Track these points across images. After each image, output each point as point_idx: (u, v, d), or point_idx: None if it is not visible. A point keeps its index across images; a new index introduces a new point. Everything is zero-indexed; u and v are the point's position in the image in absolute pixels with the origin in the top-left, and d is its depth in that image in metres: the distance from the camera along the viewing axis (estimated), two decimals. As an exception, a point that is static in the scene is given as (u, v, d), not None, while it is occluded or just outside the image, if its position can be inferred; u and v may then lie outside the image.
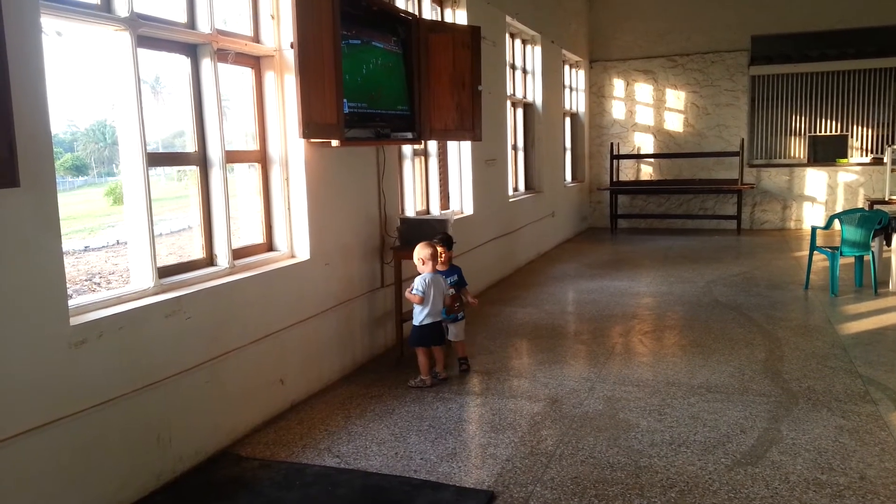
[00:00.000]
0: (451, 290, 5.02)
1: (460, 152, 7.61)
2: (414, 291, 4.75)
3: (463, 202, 7.68)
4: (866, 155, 12.33)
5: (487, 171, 8.14)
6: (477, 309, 6.14)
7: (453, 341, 5.15)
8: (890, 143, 11.81)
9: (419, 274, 4.80)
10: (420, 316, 4.77)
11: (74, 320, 3.05)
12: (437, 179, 7.23)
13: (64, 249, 3.04)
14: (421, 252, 4.78)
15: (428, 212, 7.13)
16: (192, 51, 4.01)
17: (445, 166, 7.55)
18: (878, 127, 12.25)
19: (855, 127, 12.36)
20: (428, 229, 5.39)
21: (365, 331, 5.41)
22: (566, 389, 4.68)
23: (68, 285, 3.07)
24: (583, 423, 4.11)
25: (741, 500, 3.18)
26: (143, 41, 3.57)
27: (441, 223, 5.43)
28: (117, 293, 3.43)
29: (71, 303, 3.08)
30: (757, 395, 4.46)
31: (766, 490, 3.26)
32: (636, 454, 3.68)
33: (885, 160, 10.75)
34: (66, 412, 2.97)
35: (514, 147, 9.88)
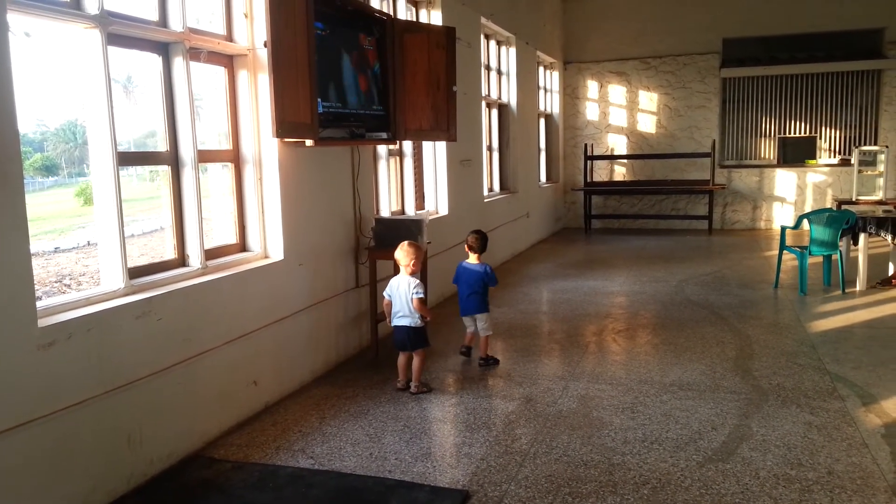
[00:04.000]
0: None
1: (435, 153, 7.62)
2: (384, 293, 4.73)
3: (438, 202, 7.68)
4: (834, 156, 12.55)
5: (462, 171, 8.15)
6: (452, 309, 6.21)
7: (481, 336, 5.27)
8: (857, 144, 12.03)
9: (398, 275, 4.72)
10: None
11: (43, 322, 3.00)
12: (413, 180, 7.23)
13: (33, 250, 2.99)
14: (404, 258, 4.61)
15: (403, 212, 7.13)
16: (164, 49, 3.97)
17: (420, 167, 7.55)
18: (845, 129, 12.48)
19: (823, 129, 12.58)
20: (403, 230, 5.39)
21: (340, 331, 5.40)
22: (540, 388, 4.71)
23: (38, 287, 3.03)
24: (557, 422, 4.13)
25: (712, 496, 3.23)
26: (113, 39, 3.53)
27: (416, 223, 5.43)
28: (87, 294, 3.38)
29: (39, 304, 3.04)
30: (728, 393, 4.52)
31: (736, 486, 3.31)
32: (609, 452, 3.71)
33: (852, 161, 10.94)
34: (35, 415, 2.93)
35: (489, 148, 9.91)
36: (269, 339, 4.51)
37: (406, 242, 4.69)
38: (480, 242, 5.30)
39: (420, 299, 4.55)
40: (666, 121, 13.10)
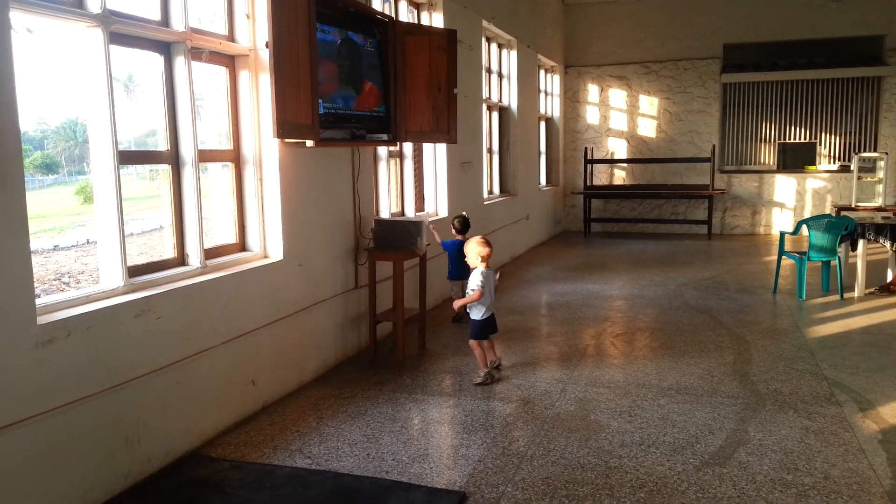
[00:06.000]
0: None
1: (435, 154, 7.63)
2: (474, 287, 4.84)
3: (438, 204, 7.69)
4: (834, 162, 12.57)
5: (462, 173, 8.16)
6: (450, 311, 6.37)
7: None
8: (857, 151, 12.05)
9: (475, 272, 4.91)
10: (481, 310, 4.89)
11: (41, 319, 3.01)
12: (413, 181, 7.24)
13: (33, 248, 2.99)
14: (482, 250, 4.88)
15: (403, 213, 7.14)
16: (166, 49, 3.98)
17: (421, 168, 7.55)
18: (845, 135, 12.50)
19: (823, 135, 12.60)
20: (402, 231, 5.40)
21: (338, 332, 5.40)
22: (538, 391, 4.71)
23: (37, 285, 3.03)
24: (554, 425, 4.14)
25: (709, 499, 3.23)
26: (115, 38, 3.54)
27: (416, 225, 5.44)
28: (86, 292, 3.39)
29: (38, 302, 3.04)
30: (725, 397, 4.53)
31: (733, 490, 3.31)
32: (606, 455, 3.71)
33: (851, 168, 10.96)
34: (33, 412, 2.93)
35: (490, 150, 9.92)
36: (267, 338, 4.51)
37: (485, 239, 4.98)
38: (464, 225, 6.44)
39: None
40: (666, 125, 13.11)
